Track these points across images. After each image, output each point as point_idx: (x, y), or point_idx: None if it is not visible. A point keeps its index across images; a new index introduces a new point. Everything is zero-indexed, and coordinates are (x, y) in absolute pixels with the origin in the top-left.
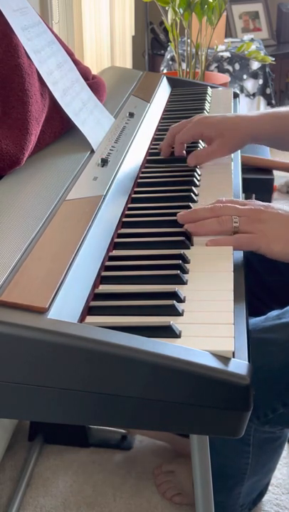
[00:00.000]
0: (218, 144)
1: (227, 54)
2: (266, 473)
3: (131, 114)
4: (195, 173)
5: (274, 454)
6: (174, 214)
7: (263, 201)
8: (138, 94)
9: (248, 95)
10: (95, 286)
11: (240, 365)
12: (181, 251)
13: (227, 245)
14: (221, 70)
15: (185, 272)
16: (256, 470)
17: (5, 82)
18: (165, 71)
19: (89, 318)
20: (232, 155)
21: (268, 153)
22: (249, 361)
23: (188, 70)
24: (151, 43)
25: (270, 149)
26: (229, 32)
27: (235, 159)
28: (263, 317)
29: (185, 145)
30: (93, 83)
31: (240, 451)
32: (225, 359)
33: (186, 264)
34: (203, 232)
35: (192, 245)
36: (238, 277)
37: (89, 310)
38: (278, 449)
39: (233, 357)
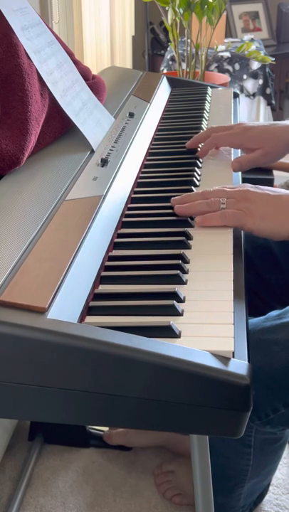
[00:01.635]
0: (260, 154)
1: (227, 54)
2: (267, 475)
3: (131, 114)
4: (195, 173)
5: (275, 455)
6: (174, 214)
7: None
8: (138, 94)
9: (248, 95)
10: (94, 286)
11: (240, 365)
12: (181, 251)
13: (214, 222)
14: (221, 70)
15: (185, 272)
16: (257, 471)
17: (5, 82)
18: (165, 71)
19: (89, 318)
20: (232, 155)
21: None
22: (249, 361)
23: (188, 70)
24: (151, 43)
25: None
26: (229, 32)
27: (235, 154)
28: (263, 317)
29: (214, 146)
30: (93, 83)
31: (241, 453)
32: (225, 359)
33: (186, 264)
34: (192, 212)
35: (192, 243)
36: (238, 277)
37: (89, 310)
38: (279, 450)
39: (233, 357)
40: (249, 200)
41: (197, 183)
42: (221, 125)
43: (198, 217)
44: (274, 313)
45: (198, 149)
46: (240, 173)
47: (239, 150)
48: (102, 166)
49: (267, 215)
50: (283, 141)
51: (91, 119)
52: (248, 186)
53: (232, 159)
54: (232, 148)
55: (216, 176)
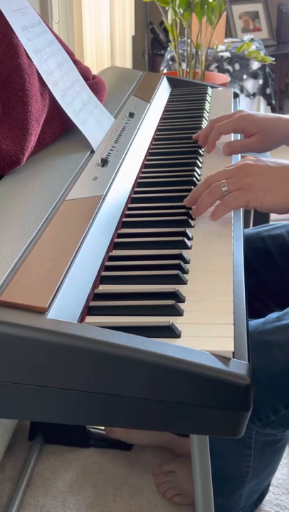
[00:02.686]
0: (255, 139)
1: (227, 54)
2: (267, 475)
3: (131, 114)
4: (195, 173)
5: (275, 456)
6: (174, 214)
7: None
8: (138, 94)
9: (248, 95)
10: (94, 286)
11: (240, 365)
12: (181, 251)
13: (221, 214)
14: (221, 70)
15: (185, 272)
16: (257, 473)
17: (5, 82)
18: (165, 71)
19: (89, 318)
20: (232, 156)
21: (267, 154)
22: (249, 361)
23: (188, 70)
24: (151, 43)
25: None
26: (229, 32)
27: (235, 159)
28: (262, 319)
29: (220, 136)
30: (93, 83)
31: (242, 454)
32: (225, 359)
33: (186, 264)
34: (202, 211)
35: (192, 243)
36: (238, 277)
37: (89, 310)
38: (279, 451)
39: (233, 357)
40: (249, 174)
41: (197, 183)
42: (221, 116)
43: (210, 216)
44: (273, 315)
45: (202, 148)
46: None
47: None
48: (102, 166)
49: (269, 188)
50: (282, 131)
51: (91, 119)
52: (249, 159)
53: (232, 159)
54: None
55: None
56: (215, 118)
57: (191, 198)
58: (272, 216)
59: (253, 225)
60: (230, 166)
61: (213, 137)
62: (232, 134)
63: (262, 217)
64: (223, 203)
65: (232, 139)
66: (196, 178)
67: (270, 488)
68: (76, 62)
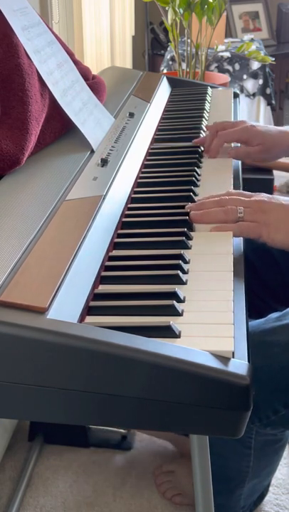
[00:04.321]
0: (258, 149)
1: (227, 54)
2: (267, 475)
3: (131, 114)
4: (195, 173)
5: (275, 456)
6: (174, 214)
7: None
8: (138, 94)
9: (248, 95)
10: (94, 286)
11: (240, 365)
12: (181, 251)
13: (229, 231)
14: (221, 70)
15: (185, 272)
16: (257, 472)
17: (5, 82)
18: (165, 71)
19: (88, 318)
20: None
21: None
22: (249, 361)
23: (188, 70)
24: (151, 43)
25: None
26: (229, 32)
27: (236, 161)
28: (263, 319)
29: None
30: (93, 83)
31: (242, 454)
32: (225, 359)
33: (185, 264)
34: (208, 220)
35: (192, 243)
36: (238, 277)
37: (89, 310)
38: (279, 451)
39: (233, 357)
40: (265, 211)
41: (197, 183)
42: (225, 121)
43: (213, 227)
44: (274, 315)
45: (201, 148)
46: (240, 173)
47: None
48: (102, 166)
49: (281, 227)
50: (283, 144)
51: (91, 119)
52: (264, 196)
53: (232, 160)
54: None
55: (216, 176)
56: (217, 123)
57: (197, 207)
58: None
59: None
60: (245, 197)
61: (217, 145)
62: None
63: None
64: (239, 227)
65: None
66: (196, 178)
67: (270, 488)
68: (76, 63)
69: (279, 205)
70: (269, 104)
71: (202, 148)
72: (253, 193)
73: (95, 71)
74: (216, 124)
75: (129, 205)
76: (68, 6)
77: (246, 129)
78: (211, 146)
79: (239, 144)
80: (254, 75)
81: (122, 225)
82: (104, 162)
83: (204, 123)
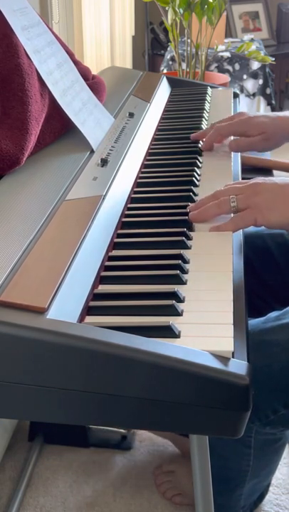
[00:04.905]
0: (259, 138)
1: (227, 54)
2: (267, 475)
3: (131, 114)
4: (195, 173)
5: (275, 455)
6: (174, 214)
7: None
8: (138, 94)
9: (248, 95)
10: (94, 286)
11: (239, 365)
12: (181, 251)
13: (226, 230)
14: (221, 70)
15: (185, 272)
16: (257, 472)
17: (5, 82)
18: (165, 71)
19: (88, 319)
20: (232, 155)
21: (267, 153)
22: (248, 361)
23: (188, 70)
24: (151, 43)
25: None
26: (229, 32)
27: (235, 159)
28: (262, 318)
29: (219, 137)
30: (93, 83)
31: (241, 454)
32: (224, 359)
33: (185, 264)
34: (204, 217)
35: (192, 243)
36: (238, 277)
37: (88, 310)
38: (279, 450)
39: (233, 357)
40: (258, 193)
41: (197, 183)
42: (222, 118)
43: (212, 226)
44: (273, 314)
45: (201, 143)
46: (240, 173)
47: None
48: (102, 166)
49: (275, 207)
50: (283, 130)
51: (91, 119)
52: (259, 179)
53: (232, 158)
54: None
55: (216, 176)
56: (216, 122)
57: (196, 206)
58: None
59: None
60: (240, 184)
61: (211, 136)
62: (231, 137)
63: None
64: (232, 222)
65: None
66: (196, 178)
67: (270, 488)
68: (76, 63)
69: (272, 185)
70: (269, 104)
71: (202, 148)
72: (249, 180)
73: (94, 71)
74: (214, 122)
75: (129, 205)
76: (68, 6)
77: (242, 122)
78: (206, 138)
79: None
80: (254, 75)
81: (121, 225)
82: (104, 162)
83: (204, 123)
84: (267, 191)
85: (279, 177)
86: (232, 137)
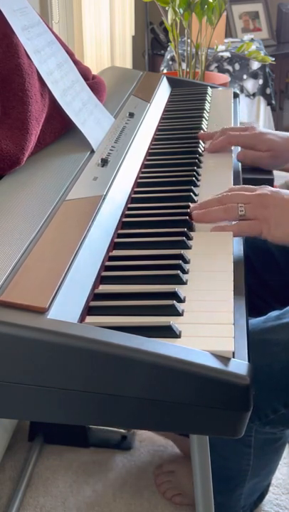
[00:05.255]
0: (267, 154)
1: (227, 54)
2: (267, 475)
3: (131, 114)
4: (195, 173)
5: (275, 455)
6: (174, 214)
7: None
8: (138, 94)
9: (248, 95)
10: (94, 286)
11: (240, 365)
12: (181, 251)
13: (229, 231)
14: (221, 70)
15: (185, 272)
16: (257, 471)
17: (5, 82)
18: (165, 71)
19: (89, 319)
20: (232, 155)
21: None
22: (249, 361)
23: (188, 70)
24: (151, 43)
25: None
26: (229, 32)
27: (235, 163)
28: (263, 318)
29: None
30: (93, 83)
31: (241, 453)
32: (225, 359)
33: (186, 264)
34: (209, 219)
35: (192, 243)
36: (238, 277)
37: (89, 310)
38: (279, 450)
39: (233, 357)
40: (266, 206)
41: (197, 183)
42: (235, 126)
43: (214, 226)
44: (274, 313)
45: (202, 143)
46: (240, 173)
47: (238, 147)
48: (102, 166)
49: (281, 223)
50: None
51: (91, 119)
52: (267, 190)
53: (232, 159)
54: (232, 148)
55: (216, 176)
56: (228, 127)
57: (201, 206)
58: None
59: None
60: (249, 191)
61: (221, 142)
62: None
63: None
64: (238, 226)
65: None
66: (196, 178)
67: (270, 488)
68: (76, 63)
69: (281, 199)
70: (269, 104)
71: (202, 148)
72: (257, 187)
73: (94, 71)
74: (226, 127)
75: (129, 205)
76: (68, 6)
77: (253, 136)
78: (216, 141)
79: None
80: (254, 75)
81: (122, 225)
82: (104, 162)
83: (204, 123)
84: (275, 206)
85: (286, 190)
86: (232, 147)
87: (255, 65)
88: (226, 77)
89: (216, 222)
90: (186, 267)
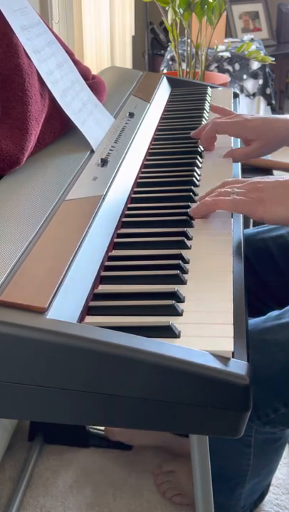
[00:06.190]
0: (255, 146)
1: (227, 54)
2: (267, 475)
3: (131, 114)
4: (195, 173)
5: (275, 455)
6: (174, 214)
7: None
8: (138, 94)
9: (248, 95)
10: (94, 286)
11: (239, 365)
12: (181, 251)
13: (224, 206)
14: (221, 70)
15: (185, 272)
16: (257, 471)
17: (5, 82)
18: (165, 71)
19: (88, 318)
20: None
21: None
22: (248, 361)
23: (188, 70)
24: (151, 43)
25: None
26: (229, 32)
27: (235, 164)
28: (262, 317)
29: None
30: (93, 83)
31: (241, 453)
32: (224, 359)
33: (185, 264)
34: (204, 210)
35: (192, 243)
36: (238, 277)
37: (88, 310)
38: (279, 450)
39: (233, 357)
40: (260, 189)
41: (197, 183)
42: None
43: (208, 198)
44: (274, 313)
45: (201, 148)
46: (240, 173)
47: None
48: (102, 166)
49: (278, 200)
50: (280, 134)
51: (91, 119)
52: (258, 178)
53: (231, 159)
54: (232, 146)
55: (216, 177)
56: (215, 118)
57: (197, 205)
58: None
59: (253, 226)
60: (241, 183)
61: (208, 131)
62: (232, 138)
63: None
64: (232, 201)
65: (232, 143)
66: (196, 178)
67: (270, 488)
68: (76, 62)
69: (274, 181)
70: (269, 104)
71: (202, 148)
72: (249, 179)
73: (94, 71)
74: (212, 118)
75: (129, 205)
76: (68, 6)
77: (238, 123)
78: (202, 133)
79: (239, 144)
80: (254, 75)
81: (121, 224)
82: (104, 162)
83: (204, 123)
84: (269, 187)
85: (277, 176)
86: (232, 144)
87: (255, 65)
88: (226, 77)
89: (210, 212)
90: (186, 267)
